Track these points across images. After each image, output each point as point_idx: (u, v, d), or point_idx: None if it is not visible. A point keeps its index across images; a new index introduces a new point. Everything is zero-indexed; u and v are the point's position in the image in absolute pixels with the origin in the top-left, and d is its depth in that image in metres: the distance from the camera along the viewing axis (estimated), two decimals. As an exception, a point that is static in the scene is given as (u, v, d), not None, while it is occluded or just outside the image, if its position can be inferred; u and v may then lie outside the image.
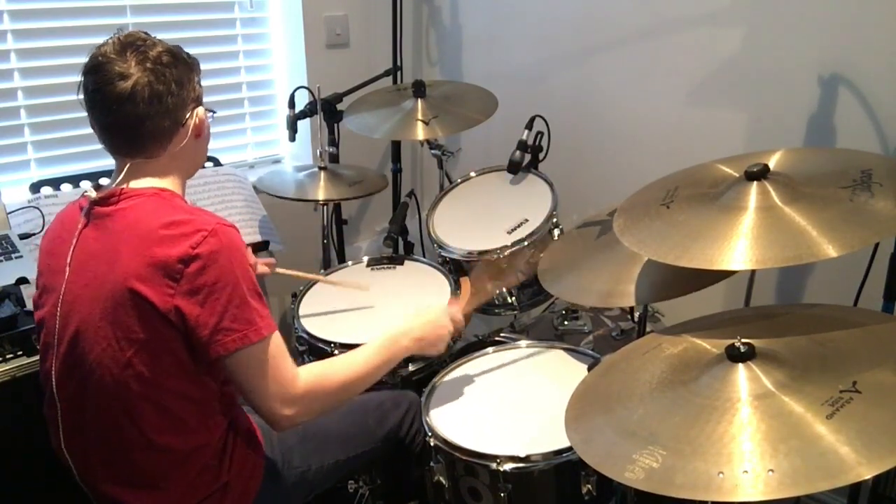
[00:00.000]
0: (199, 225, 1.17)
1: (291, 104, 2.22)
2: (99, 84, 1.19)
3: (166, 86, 1.21)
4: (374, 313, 1.82)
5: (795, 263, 1.08)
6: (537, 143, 2.03)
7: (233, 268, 1.17)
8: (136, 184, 1.25)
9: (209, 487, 1.28)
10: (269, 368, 1.21)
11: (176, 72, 1.23)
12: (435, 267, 1.98)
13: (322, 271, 2.08)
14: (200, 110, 1.30)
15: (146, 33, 1.25)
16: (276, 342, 1.23)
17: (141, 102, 1.19)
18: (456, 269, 1.93)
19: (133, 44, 1.21)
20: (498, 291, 1.88)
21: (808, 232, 1.11)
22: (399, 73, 2.70)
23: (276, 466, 1.40)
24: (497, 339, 1.93)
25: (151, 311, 1.15)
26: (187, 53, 1.29)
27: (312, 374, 1.28)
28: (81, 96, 1.23)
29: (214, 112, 1.38)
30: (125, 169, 1.26)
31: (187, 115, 1.27)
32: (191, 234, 1.16)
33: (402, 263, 2.05)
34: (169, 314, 1.15)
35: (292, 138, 2.24)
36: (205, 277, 1.15)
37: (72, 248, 1.23)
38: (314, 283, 1.96)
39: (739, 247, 1.13)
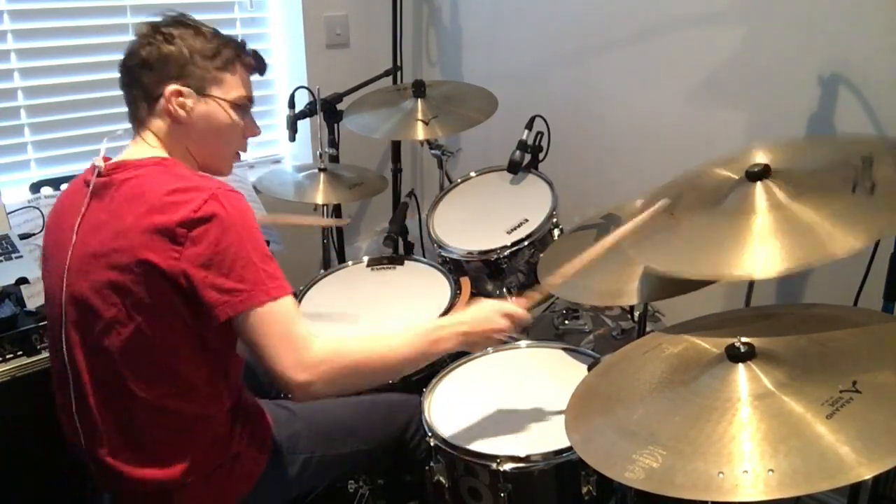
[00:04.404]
0: (200, 189, 1.18)
1: (291, 104, 2.22)
2: None
3: (138, 59, 1.26)
4: (374, 313, 1.82)
5: (821, 262, 1.05)
6: (537, 143, 2.03)
7: (237, 229, 1.17)
8: (139, 153, 1.27)
9: (219, 457, 1.29)
10: (280, 331, 1.17)
11: (160, 48, 1.26)
12: (435, 267, 1.98)
13: (322, 271, 2.08)
14: (170, 89, 1.26)
15: (183, 16, 1.31)
16: (288, 304, 1.19)
17: (123, 71, 1.29)
18: (456, 269, 1.93)
19: (157, 20, 1.28)
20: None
21: (822, 228, 1.09)
22: (399, 73, 2.70)
23: (281, 449, 1.40)
24: (497, 339, 1.93)
25: (160, 278, 1.16)
26: (220, 39, 1.31)
27: (331, 343, 1.23)
28: None
29: (245, 106, 1.35)
30: (133, 138, 1.32)
31: (158, 94, 1.27)
32: (192, 199, 1.16)
33: (402, 263, 2.05)
34: (177, 279, 1.15)
35: (292, 138, 2.24)
36: (208, 239, 1.15)
37: (79, 220, 1.24)
38: (314, 282, 1.96)
39: (761, 252, 1.11)
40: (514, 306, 1.41)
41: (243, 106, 1.34)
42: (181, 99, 1.27)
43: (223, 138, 1.35)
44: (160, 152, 1.28)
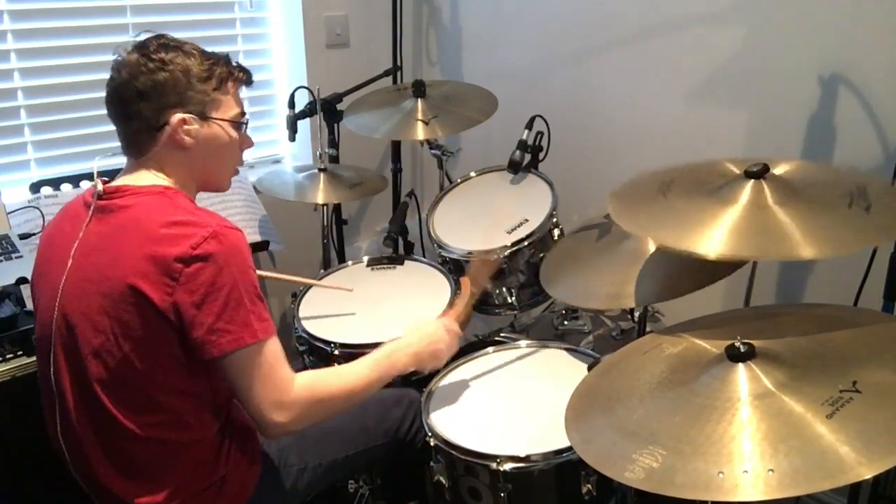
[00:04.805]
0: (200, 225, 1.18)
1: (291, 104, 2.22)
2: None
3: (134, 91, 1.22)
4: (374, 313, 1.82)
5: (763, 258, 1.12)
6: (537, 143, 2.03)
7: (232, 270, 1.17)
8: (140, 180, 1.26)
9: (206, 481, 1.28)
10: (263, 372, 1.21)
11: (155, 77, 1.22)
12: (435, 267, 1.98)
13: (322, 271, 2.08)
14: (176, 118, 1.24)
15: (164, 37, 1.26)
16: (273, 347, 1.22)
17: (116, 104, 1.25)
18: (456, 269, 1.93)
19: (140, 45, 1.24)
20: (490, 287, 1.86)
21: (790, 232, 1.13)
22: (399, 73, 2.70)
23: (272, 464, 1.40)
24: (497, 339, 1.93)
25: (150, 309, 1.15)
26: (209, 58, 1.27)
27: (306, 382, 1.27)
28: None
29: (244, 123, 1.36)
30: (128, 165, 1.29)
31: (162, 121, 1.24)
32: (191, 235, 1.16)
33: (402, 263, 2.05)
34: (167, 312, 1.15)
35: (292, 138, 2.24)
36: (203, 278, 1.15)
37: (76, 242, 1.24)
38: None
39: (716, 235, 1.15)
40: (451, 321, 1.55)
41: (241, 123, 1.35)
42: (187, 127, 1.25)
43: (226, 158, 1.36)
44: (162, 180, 1.27)
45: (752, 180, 1.23)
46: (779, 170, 1.30)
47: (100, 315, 1.18)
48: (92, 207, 1.25)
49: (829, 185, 1.25)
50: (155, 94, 1.22)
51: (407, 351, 1.44)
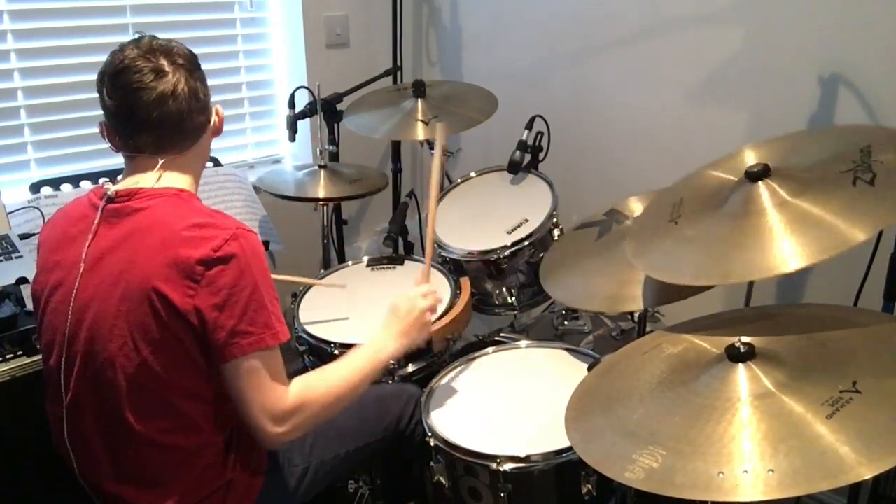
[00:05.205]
0: (221, 227, 1.18)
1: (291, 104, 2.22)
2: (135, 85, 1.19)
3: (199, 82, 1.26)
4: (374, 313, 1.82)
5: (833, 254, 1.04)
6: (537, 143, 2.04)
7: (253, 271, 1.18)
8: (158, 182, 1.25)
9: (213, 484, 1.28)
10: (268, 380, 1.20)
11: (200, 71, 1.28)
12: (435, 267, 1.98)
13: (322, 271, 2.08)
14: (219, 108, 1.34)
15: (164, 39, 1.28)
16: (279, 353, 1.23)
17: (183, 99, 1.23)
18: (456, 269, 1.93)
19: (159, 46, 1.24)
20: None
21: (830, 221, 1.08)
22: (399, 73, 2.70)
23: (277, 465, 1.40)
24: (497, 339, 1.93)
25: (171, 312, 1.15)
26: None
27: (297, 391, 1.26)
28: (108, 100, 1.22)
29: None
30: (154, 167, 1.25)
31: (212, 112, 1.32)
32: (212, 237, 1.16)
33: (402, 263, 2.05)
34: (188, 315, 1.15)
35: (292, 138, 2.24)
36: (225, 280, 1.15)
37: (86, 245, 1.23)
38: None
39: (785, 247, 1.09)
40: (421, 286, 1.56)
41: None
42: (220, 114, 1.35)
43: None
44: (180, 182, 1.27)
45: (760, 182, 1.19)
46: (774, 157, 1.27)
47: (116, 319, 1.18)
48: (101, 210, 1.24)
49: (829, 161, 1.20)
50: (206, 86, 1.29)
51: (391, 333, 1.45)
